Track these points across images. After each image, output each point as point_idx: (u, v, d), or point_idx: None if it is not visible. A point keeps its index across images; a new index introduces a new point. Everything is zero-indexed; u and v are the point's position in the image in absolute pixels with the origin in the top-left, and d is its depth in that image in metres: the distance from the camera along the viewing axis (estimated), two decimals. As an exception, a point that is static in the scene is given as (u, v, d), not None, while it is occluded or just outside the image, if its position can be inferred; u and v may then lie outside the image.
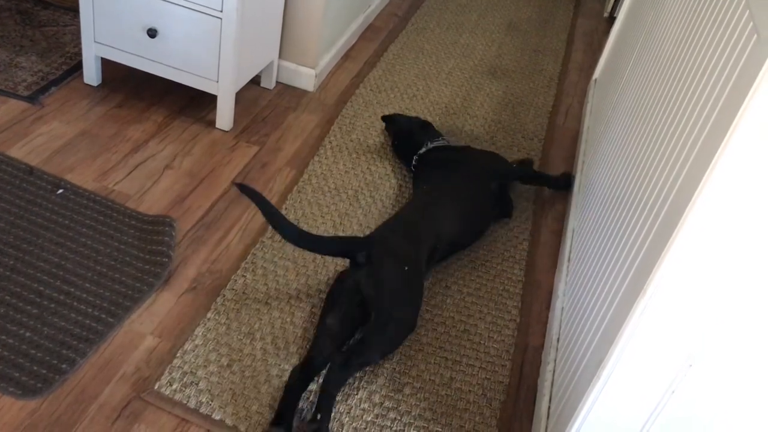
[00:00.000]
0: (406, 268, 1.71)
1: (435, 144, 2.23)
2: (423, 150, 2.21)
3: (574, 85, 2.99)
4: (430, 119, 2.56)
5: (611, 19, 3.50)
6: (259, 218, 2.02)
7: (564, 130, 2.69)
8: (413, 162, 2.22)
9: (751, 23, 1.03)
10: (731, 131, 0.93)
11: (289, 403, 1.49)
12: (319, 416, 1.43)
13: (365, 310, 1.66)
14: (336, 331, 1.63)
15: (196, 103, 2.39)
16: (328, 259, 1.92)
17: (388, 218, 1.94)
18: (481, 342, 1.79)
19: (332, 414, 1.49)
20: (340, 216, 2.08)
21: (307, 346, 1.68)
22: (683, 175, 1.12)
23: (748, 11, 1.07)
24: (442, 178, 2.08)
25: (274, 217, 1.68)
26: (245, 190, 1.70)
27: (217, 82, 2.21)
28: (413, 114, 2.57)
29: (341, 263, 1.91)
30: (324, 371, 1.56)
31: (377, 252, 1.70)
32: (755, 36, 0.99)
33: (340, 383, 1.53)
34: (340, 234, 2.01)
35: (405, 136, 2.30)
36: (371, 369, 1.67)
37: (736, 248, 1.00)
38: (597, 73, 2.82)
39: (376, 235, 1.81)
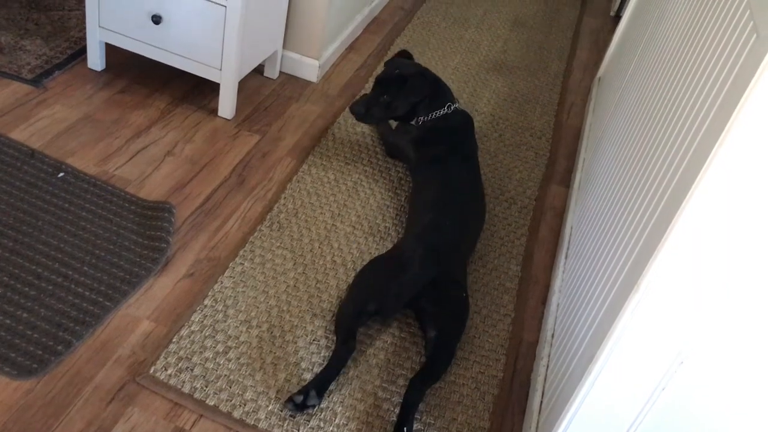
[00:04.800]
0: (464, 294, 1.80)
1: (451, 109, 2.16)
2: (437, 114, 2.15)
3: (578, 83, 2.98)
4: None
5: (617, 18, 3.50)
6: (258, 207, 2.02)
7: (566, 127, 2.69)
8: (419, 123, 2.15)
9: (752, 23, 1.03)
10: (727, 130, 0.93)
11: (331, 377, 1.60)
12: (405, 429, 1.53)
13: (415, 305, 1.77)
14: (372, 315, 1.74)
15: (198, 91, 2.40)
16: (326, 249, 1.92)
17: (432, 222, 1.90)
18: (476, 336, 1.80)
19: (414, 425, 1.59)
20: (339, 207, 2.08)
21: (303, 335, 1.69)
22: (678, 174, 1.12)
23: (748, 11, 1.08)
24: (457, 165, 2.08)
25: None
26: None
27: (220, 70, 2.21)
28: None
29: (338, 255, 1.92)
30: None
31: (445, 274, 1.77)
32: (755, 35, 0.99)
33: (420, 399, 1.60)
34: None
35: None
36: (365, 359, 1.68)
37: (727, 247, 1.00)
38: (601, 71, 2.82)
39: (441, 251, 1.82)
